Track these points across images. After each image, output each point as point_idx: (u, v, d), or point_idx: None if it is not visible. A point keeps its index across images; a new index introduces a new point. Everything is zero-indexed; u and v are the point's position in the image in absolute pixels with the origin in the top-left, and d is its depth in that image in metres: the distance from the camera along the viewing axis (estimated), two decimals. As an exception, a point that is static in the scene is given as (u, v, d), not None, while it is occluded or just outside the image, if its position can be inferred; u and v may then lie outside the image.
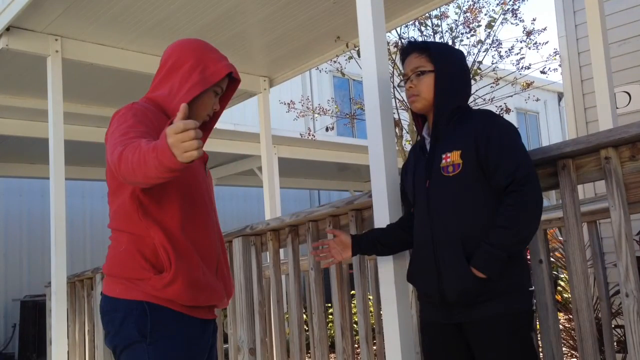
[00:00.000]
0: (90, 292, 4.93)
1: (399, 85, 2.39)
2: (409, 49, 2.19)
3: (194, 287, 1.84)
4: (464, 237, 1.94)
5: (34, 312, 8.22)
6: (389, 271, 2.42)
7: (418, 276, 2.09)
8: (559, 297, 5.00)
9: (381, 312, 2.64)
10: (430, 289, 2.02)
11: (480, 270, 1.88)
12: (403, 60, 2.21)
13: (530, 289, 1.99)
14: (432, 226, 2.03)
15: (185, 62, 1.94)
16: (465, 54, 5.98)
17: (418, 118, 2.23)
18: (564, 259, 4.70)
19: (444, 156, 2.01)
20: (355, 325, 5.57)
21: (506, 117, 7.79)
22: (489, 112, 2.08)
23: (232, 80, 2.09)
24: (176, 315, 1.84)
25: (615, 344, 4.01)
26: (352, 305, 5.17)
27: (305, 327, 4.97)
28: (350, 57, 7.78)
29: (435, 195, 2.03)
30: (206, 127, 2.11)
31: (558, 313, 4.93)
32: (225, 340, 3.91)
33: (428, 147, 2.11)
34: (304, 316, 5.24)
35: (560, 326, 4.87)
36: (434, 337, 2.08)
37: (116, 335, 1.85)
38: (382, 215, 2.44)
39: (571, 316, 4.78)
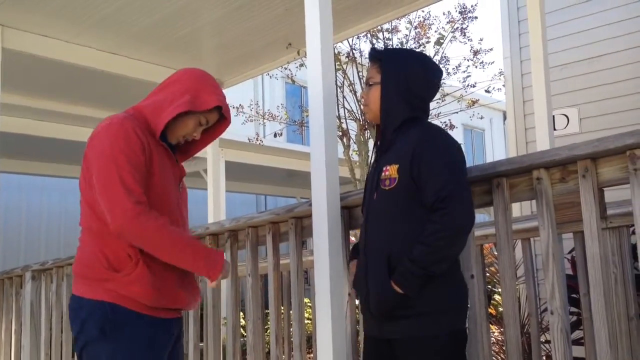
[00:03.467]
0: (19, 291, 4.74)
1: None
2: (369, 55, 2.18)
3: (157, 289, 1.96)
4: (390, 251, 1.93)
5: (-41, 310, 7.86)
6: (324, 281, 2.42)
7: (356, 285, 2.10)
8: (493, 311, 5.12)
9: (316, 321, 2.64)
10: (361, 299, 2.04)
11: (398, 285, 1.88)
12: None
13: (460, 309, 1.96)
14: (366, 237, 2.05)
15: (183, 83, 2.07)
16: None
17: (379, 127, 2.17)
18: (499, 274, 4.81)
19: (384, 169, 2.01)
20: (293, 333, 5.54)
21: (452, 133, 7.94)
22: (431, 127, 2.06)
23: (223, 120, 2.19)
24: (137, 315, 1.94)
25: (544, 358, 4.13)
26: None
27: (244, 332, 4.93)
28: (302, 65, 7.80)
29: (373, 207, 2.04)
30: (182, 150, 2.24)
31: (492, 326, 5.03)
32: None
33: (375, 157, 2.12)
34: (244, 322, 5.20)
35: (494, 339, 5.01)
36: (369, 350, 2.09)
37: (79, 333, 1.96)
38: (321, 225, 2.44)
39: (504, 330, 4.89)
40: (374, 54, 2.15)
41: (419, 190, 1.93)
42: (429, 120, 2.16)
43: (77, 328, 1.97)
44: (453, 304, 1.95)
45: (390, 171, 1.97)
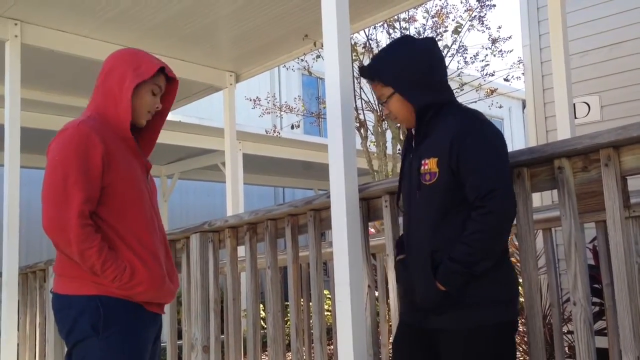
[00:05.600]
0: (42, 284, 4.81)
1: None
2: (362, 76, 2.18)
3: (152, 284, 2.01)
4: (434, 247, 1.91)
5: (-16, 303, 7.98)
6: (344, 273, 2.41)
7: (401, 278, 2.10)
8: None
9: (336, 313, 2.64)
10: (408, 292, 2.03)
11: (441, 283, 1.87)
12: None
13: (508, 299, 1.93)
14: (409, 233, 2.03)
15: (120, 66, 2.09)
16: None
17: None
18: (519, 264, 4.77)
19: (423, 162, 1.96)
20: (312, 325, 5.55)
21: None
22: (468, 114, 1.98)
23: (172, 82, 2.21)
24: (129, 307, 1.96)
25: (567, 349, 4.09)
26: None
27: (265, 325, 4.95)
28: (318, 56, 7.77)
29: (415, 202, 2.00)
30: (152, 128, 2.23)
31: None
32: (180, 337, 3.85)
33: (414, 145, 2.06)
34: (264, 314, 5.22)
35: (514, 330, 4.96)
36: (407, 339, 2.08)
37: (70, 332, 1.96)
38: (340, 216, 2.44)
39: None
40: (365, 74, 2.13)
41: (460, 183, 1.88)
42: (462, 103, 2.07)
43: (67, 328, 1.95)
44: (500, 295, 1.92)
45: (430, 165, 1.92)
